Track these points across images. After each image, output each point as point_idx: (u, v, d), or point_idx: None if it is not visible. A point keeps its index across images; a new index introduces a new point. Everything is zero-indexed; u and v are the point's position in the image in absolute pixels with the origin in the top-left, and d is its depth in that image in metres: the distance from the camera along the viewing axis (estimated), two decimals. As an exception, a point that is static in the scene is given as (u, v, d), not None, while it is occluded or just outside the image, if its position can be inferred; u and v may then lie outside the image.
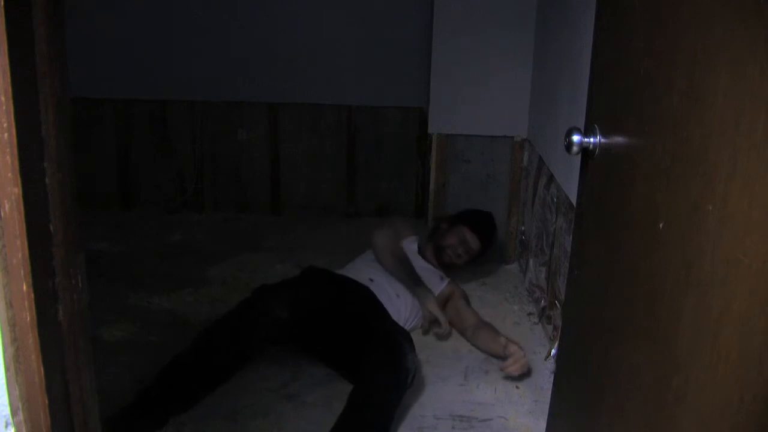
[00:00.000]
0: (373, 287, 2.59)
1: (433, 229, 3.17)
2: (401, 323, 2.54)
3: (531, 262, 3.12)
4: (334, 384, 2.39)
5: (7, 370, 0.83)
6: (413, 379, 2.24)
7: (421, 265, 2.86)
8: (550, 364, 2.49)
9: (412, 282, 2.70)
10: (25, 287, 0.81)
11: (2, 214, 0.79)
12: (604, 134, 1.40)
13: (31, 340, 0.83)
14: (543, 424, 1.99)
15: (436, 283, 2.83)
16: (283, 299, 2.39)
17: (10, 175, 0.78)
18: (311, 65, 3.82)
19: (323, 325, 2.44)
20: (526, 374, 2.48)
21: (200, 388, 2.26)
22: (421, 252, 2.97)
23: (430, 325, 2.71)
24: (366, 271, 2.68)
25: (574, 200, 2.22)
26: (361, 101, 3.89)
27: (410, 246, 2.93)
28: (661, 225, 1.09)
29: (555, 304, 2.66)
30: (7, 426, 0.85)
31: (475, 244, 2.99)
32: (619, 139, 1.34)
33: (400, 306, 2.63)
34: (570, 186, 2.48)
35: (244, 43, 3.78)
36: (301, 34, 3.78)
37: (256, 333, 2.33)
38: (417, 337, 2.58)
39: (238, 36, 3.78)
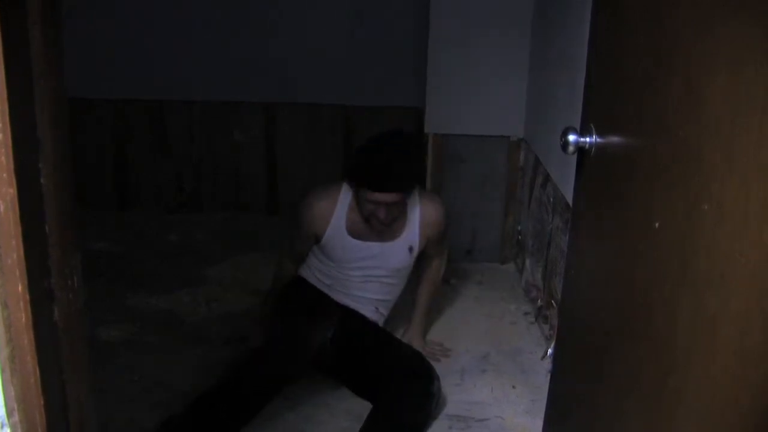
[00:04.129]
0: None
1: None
2: None
3: (527, 261, 3.12)
4: (332, 390, 2.38)
5: (2, 371, 0.83)
6: (436, 406, 2.26)
7: (377, 249, 2.42)
8: (547, 364, 2.49)
9: None
10: (20, 288, 0.81)
11: (-2, 214, 0.79)
12: (600, 134, 1.40)
13: (27, 341, 0.83)
14: (540, 424, 1.98)
15: (405, 257, 2.47)
16: (323, 321, 2.29)
17: (5, 175, 0.77)
18: (308, 65, 3.81)
19: (352, 349, 2.38)
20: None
21: (239, 420, 2.15)
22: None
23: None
24: (374, 295, 2.53)
25: (570, 200, 2.22)
26: (357, 101, 3.88)
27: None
28: (657, 224, 1.09)
29: (552, 303, 2.66)
30: (2, 427, 0.85)
31: (391, 197, 2.25)
32: (615, 139, 1.34)
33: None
34: (566, 186, 2.48)
35: (241, 43, 3.77)
36: (298, 34, 3.78)
37: (303, 355, 2.23)
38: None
39: (236, 36, 3.77)
